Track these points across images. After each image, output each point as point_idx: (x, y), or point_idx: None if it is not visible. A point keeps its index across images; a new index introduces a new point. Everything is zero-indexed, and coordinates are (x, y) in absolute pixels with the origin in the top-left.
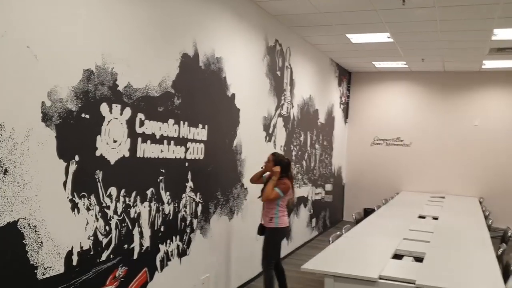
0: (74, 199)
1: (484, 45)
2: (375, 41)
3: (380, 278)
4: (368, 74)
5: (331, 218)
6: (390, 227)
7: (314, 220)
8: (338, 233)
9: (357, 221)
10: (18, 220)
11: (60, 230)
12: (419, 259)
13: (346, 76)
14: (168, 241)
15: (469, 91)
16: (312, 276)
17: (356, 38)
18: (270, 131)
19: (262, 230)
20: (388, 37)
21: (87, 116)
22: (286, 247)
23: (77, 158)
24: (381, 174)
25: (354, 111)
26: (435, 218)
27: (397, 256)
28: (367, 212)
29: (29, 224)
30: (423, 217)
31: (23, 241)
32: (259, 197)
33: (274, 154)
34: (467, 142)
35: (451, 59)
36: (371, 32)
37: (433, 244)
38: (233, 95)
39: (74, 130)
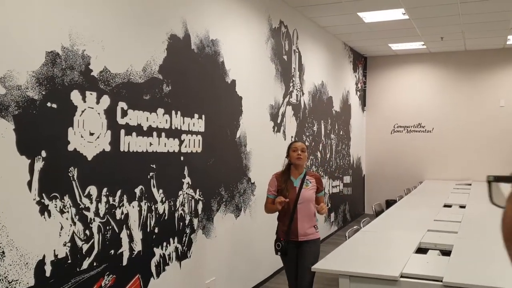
0: (43, 200)
1: (509, 17)
2: (390, 19)
3: (402, 276)
4: (385, 58)
5: (351, 211)
6: (412, 219)
7: (332, 214)
8: (356, 227)
9: (377, 213)
10: None
11: (27, 237)
12: (446, 253)
13: (361, 61)
14: (165, 243)
15: (493, 70)
16: (330, 275)
17: (369, 16)
18: (279, 121)
19: (286, 248)
20: (403, 14)
21: (54, 106)
22: None
23: (44, 154)
24: (403, 163)
25: (371, 97)
26: (462, 207)
27: (421, 250)
28: (390, 203)
29: None
30: (449, 206)
31: None
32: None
33: (303, 141)
34: (493, 125)
35: (473, 36)
36: (385, 9)
37: (461, 235)
38: (233, 81)
39: (38, 121)
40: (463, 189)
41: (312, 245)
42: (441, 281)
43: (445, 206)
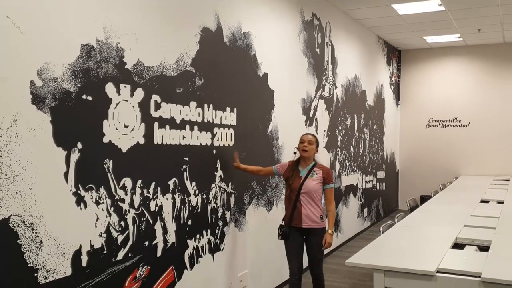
0: (79, 192)
1: None
2: (425, 10)
3: (438, 272)
4: (420, 51)
5: (385, 207)
6: (448, 214)
7: (365, 210)
8: (390, 222)
9: (412, 208)
10: (9, 217)
11: (64, 227)
12: (484, 248)
13: (395, 55)
14: (198, 235)
15: None
16: (363, 270)
17: (403, 8)
18: (311, 115)
19: (287, 232)
20: (439, 5)
21: (90, 98)
22: (335, 239)
23: (79, 145)
24: (438, 158)
25: (406, 91)
26: (500, 202)
27: (458, 246)
28: (424, 199)
29: (23, 222)
30: (486, 202)
31: (18, 241)
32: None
33: (313, 134)
34: None
35: None
36: (420, 0)
37: (500, 231)
38: (265, 75)
39: (74, 113)
40: (501, 185)
41: (317, 235)
42: (479, 276)
43: (482, 201)
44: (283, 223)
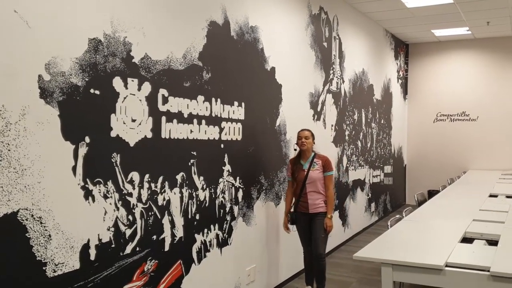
0: (87, 186)
1: None
2: (433, 3)
3: (447, 266)
4: (428, 44)
5: (392, 202)
6: (457, 208)
7: (373, 204)
8: (398, 216)
9: (420, 203)
10: (18, 211)
11: (72, 221)
12: (493, 243)
13: (403, 48)
14: (206, 230)
15: None
16: (371, 265)
17: (411, 1)
18: (319, 109)
19: (295, 218)
20: None
21: (97, 92)
22: (342, 234)
23: (87, 139)
24: (445, 152)
25: (413, 86)
26: (509, 197)
27: (467, 240)
28: (432, 194)
29: (32, 215)
30: (495, 196)
31: (26, 234)
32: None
33: (308, 129)
34: None
35: None
36: None
37: (509, 225)
38: (273, 69)
39: (81, 108)
40: (510, 179)
41: (321, 217)
42: (489, 270)
43: (491, 196)
44: (292, 210)
